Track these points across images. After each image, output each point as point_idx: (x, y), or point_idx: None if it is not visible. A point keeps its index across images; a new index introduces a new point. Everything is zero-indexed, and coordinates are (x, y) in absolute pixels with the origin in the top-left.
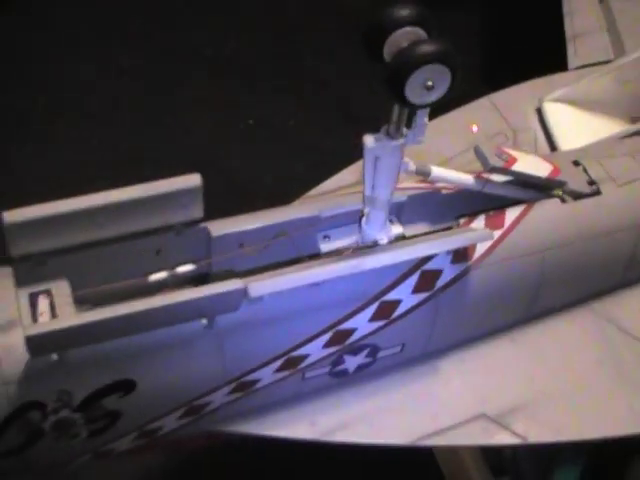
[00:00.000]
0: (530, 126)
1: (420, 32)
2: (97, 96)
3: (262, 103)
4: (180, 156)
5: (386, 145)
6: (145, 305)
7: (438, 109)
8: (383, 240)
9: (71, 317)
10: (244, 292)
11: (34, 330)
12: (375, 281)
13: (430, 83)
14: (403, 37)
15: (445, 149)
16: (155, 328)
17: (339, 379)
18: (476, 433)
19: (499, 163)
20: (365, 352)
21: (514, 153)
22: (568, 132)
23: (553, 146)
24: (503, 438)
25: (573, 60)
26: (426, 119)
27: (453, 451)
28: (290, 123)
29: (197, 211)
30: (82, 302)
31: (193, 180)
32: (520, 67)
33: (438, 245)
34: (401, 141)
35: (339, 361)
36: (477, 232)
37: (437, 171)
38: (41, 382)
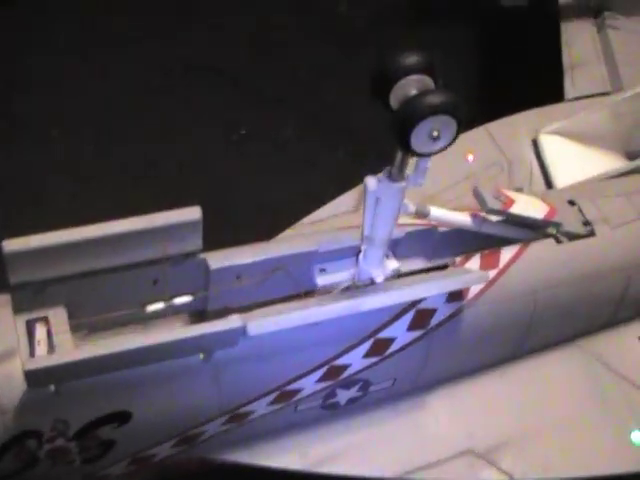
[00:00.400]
0: (526, 157)
1: (427, 80)
2: (88, 102)
3: (256, 114)
4: (170, 164)
5: (388, 187)
6: (144, 341)
7: None
8: (379, 277)
9: (69, 352)
10: (243, 330)
11: (33, 365)
12: (371, 319)
13: (436, 133)
14: (410, 85)
15: (440, 178)
16: (153, 363)
17: (330, 411)
18: (462, 469)
19: (497, 205)
20: (357, 386)
21: (512, 195)
22: (563, 166)
23: (548, 178)
24: (489, 475)
25: (570, 90)
26: (429, 163)
27: None
28: (285, 135)
29: (196, 243)
30: (78, 329)
31: (193, 213)
32: (516, 94)
33: (435, 287)
34: (403, 184)
35: (331, 394)
36: (473, 275)
37: (436, 212)
38: (38, 412)
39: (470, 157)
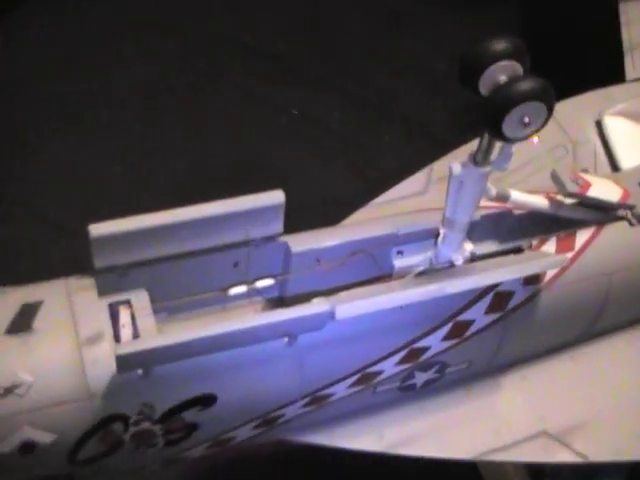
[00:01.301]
0: (590, 139)
1: (516, 66)
2: (138, 90)
3: (308, 98)
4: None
5: (472, 172)
6: (232, 326)
7: None
8: (458, 260)
9: (158, 337)
10: (331, 314)
11: (123, 349)
12: (451, 302)
13: (527, 119)
14: (500, 71)
15: None
16: (239, 347)
17: (407, 393)
18: (537, 451)
19: (575, 188)
20: (435, 369)
21: (588, 178)
22: (629, 147)
23: (613, 160)
24: (564, 456)
25: (631, 72)
26: (514, 148)
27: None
28: (334, 119)
29: (277, 226)
30: (159, 312)
31: (276, 197)
32: (577, 75)
33: (514, 271)
34: (487, 169)
35: (409, 376)
36: (551, 259)
37: (515, 195)
38: (125, 396)
39: (535, 139)
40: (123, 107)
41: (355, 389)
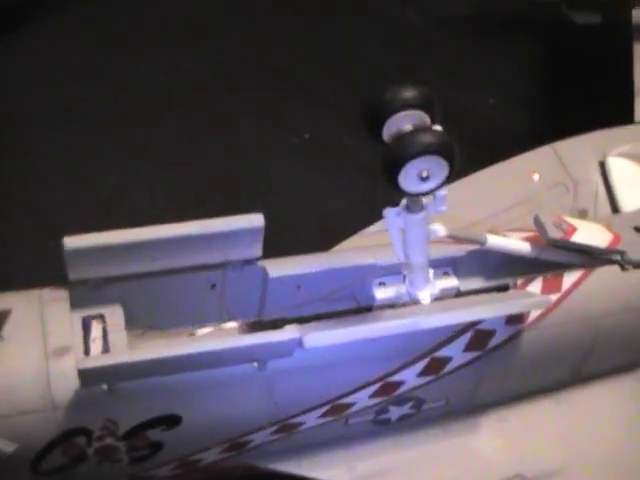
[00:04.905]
0: (592, 179)
1: (423, 116)
2: (148, 101)
3: (320, 119)
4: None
5: (408, 219)
6: (200, 347)
7: (499, 154)
8: (425, 300)
9: (124, 352)
10: (299, 341)
11: (87, 364)
12: (428, 337)
13: (425, 174)
14: (405, 120)
15: (505, 196)
16: (207, 369)
17: (381, 427)
18: None
19: (558, 234)
20: (410, 404)
21: (573, 222)
22: (631, 190)
23: (614, 202)
24: None
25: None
26: (444, 191)
27: None
28: (346, 142)
29: (256, 250)
30: (134, 328)
31: (256, 220)
32: (584, 113)
33: (496, 309)
34: (422, 214)
35: (383, 410)
36: (535, 299)
37: (492, 240)
38: (89, 410)
39: (536, 176)
40: (130, 117)
41: (326, 419)
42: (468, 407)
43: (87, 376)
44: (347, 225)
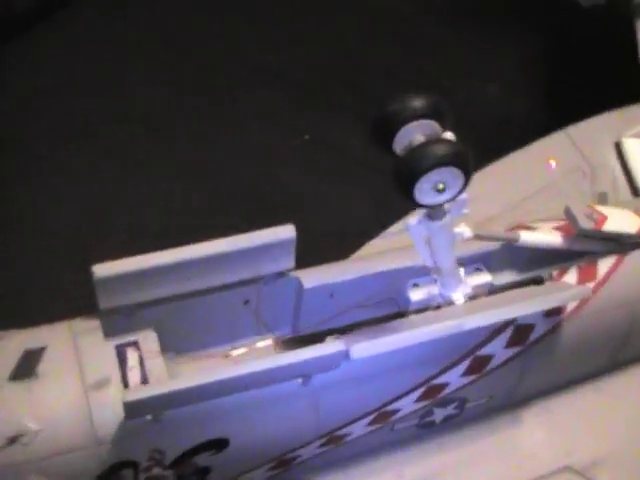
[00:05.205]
0: (608, 162)
1: (434, 126)
2: (151, 105)
3: (321, 120)
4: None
5: (431, 227)
6: (244, 369)
7: (513, 143)
8: (460, 300)
9: (167, 382)
10: (345, 354)
11: (132, 396)
12: (470, 337)
13: (441, 186)
14: (416, 130)
15: (524, 186)
16: (252, 389)
17: (425, 430)
18: None
19: (590, 224)
20: (454, 405)
21: (604, 211)
22: None
23: (633, 184)
24: None
25: None
26: (464, 195)
27: None
28: (354, 144)
29: (288, 262)
30: (167, 351)
31: (287, 232)
32: (595, 96)
33: (535, 305)
34: (444, 220)
35: (428, 413)
36: (574, 290)
37: (525, 236)
38: (135, 442)
39: (553, 163)
40: (137, 126)
41: (372, 427)
42: (510, 402)
43: (133, 408)
44: (363, 228)
